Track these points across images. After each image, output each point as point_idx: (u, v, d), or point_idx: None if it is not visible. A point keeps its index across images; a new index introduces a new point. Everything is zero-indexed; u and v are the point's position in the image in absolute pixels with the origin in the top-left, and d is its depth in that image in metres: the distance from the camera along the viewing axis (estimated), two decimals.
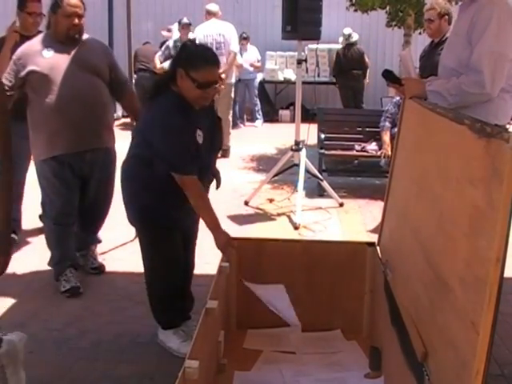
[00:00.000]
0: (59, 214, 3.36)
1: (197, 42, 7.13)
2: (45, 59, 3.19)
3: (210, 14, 7.34)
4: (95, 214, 3.63)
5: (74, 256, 3.52)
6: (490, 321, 1.39)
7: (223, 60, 7.25)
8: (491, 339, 1.40)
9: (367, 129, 6.25)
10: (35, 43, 3.28)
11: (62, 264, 3.42)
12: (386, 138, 5.72)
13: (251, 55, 10.21)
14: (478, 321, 1.42)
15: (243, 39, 9.91)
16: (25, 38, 3.50)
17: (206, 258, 3.86)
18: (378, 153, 5.88)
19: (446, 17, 4.55)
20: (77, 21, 3.22)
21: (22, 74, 3.18)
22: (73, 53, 3.25)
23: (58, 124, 3.21)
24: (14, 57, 3.25)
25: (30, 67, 3.18)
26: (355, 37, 9.62)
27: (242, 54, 10.03)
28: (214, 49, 7.21)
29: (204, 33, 7.18)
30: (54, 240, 3.44)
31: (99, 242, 3.79)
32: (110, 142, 3.47)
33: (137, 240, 2.96)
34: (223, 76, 7.31)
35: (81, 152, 3.29)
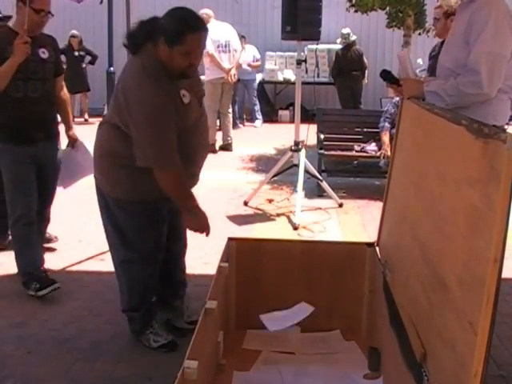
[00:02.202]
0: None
1: (209, 42, 7.29)
2: None
3: (209, 17, 7.46)
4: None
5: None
6: (488, 321, 1.39)
7: (231, 58, 7.51)
8: (489, 340, 1.41)
9: (366, 129, 6.26)
10: None
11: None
12: (386, 138, 5.73)
13: (248, 55, 10.22)
14: (476, 321, 1.42)
15: (241, 38, 9.95)
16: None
17: (206, 258, 3.87)
18: (378, 153, 5.88)
19: (453, 16, 4.15)
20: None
21: None
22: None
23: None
24: None
25: None
26: (353, 37, 9.63)
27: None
28: (224, 47, 7.47)
29: (214, 34, 7.35)
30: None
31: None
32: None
33: None
34: (233, 73, 7.59)
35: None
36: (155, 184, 2.44)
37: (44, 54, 3.31)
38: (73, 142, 3.79)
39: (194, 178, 2.69)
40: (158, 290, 2.85)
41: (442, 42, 4.55)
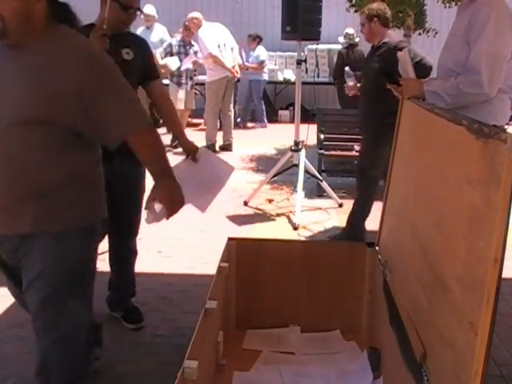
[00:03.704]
0: None
1: (210, 43, 7.37)
2: None
3: (199, 21, 7.65)
4: None
5: None
6: (488, 321, 1.39)
7: (231, 56, 7.63)
8: (490, 340, 1.40)
9: None
10: None
11: None
12: None
13: (254, 56, 10.19)
14: (476, 321, 1.42)
15: (256, 38, 10.01)
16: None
17: (206, 258, 3.87)
18: None
19: (376, 19, 4.17)
20: None
21: None
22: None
23: None
24: None
25: None
26: (357, 38, 9.65)
27: (249, 55, 10.09)
28: (224, 46, 7.56)
29: (212, 35, 7.50)
30: None
31: None
32: None
33: None
34: (237, 68, 7.73)
35: None
36: None
37: (128, 54, 2.83)
38: (190, 151, 2.97)
39: None
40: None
41: (372, 47, 4.32)
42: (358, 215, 4.45)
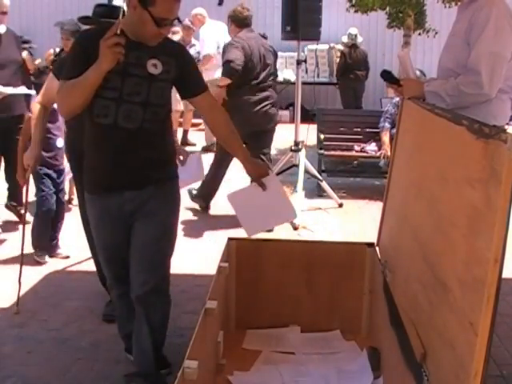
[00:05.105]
0: None
1: (208, 43, 7.34)
2: None
3: (203, 17, 7.57)
4: None
5: None
6: (488, 321, 1.39)
7: None
8: (490, 340, 1.41)
9: (366, 129, 6.27)
10: None
11: None
12: (386, 138, 5.73)
13: None
14: (476, 321, 1.42)
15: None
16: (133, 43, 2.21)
17: (206, 258, 3.87)
18: (378, 153, 5.89)
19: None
20: None
21: None
22: None
23: None
24: None
25: None
26: (360, 38, 9.71)
27: None
28: (222, 45, 7.55)
29: (212, 35, 7.50)
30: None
31: None
32: None
33: None
34: None
35: None
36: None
37: (155, 67, 2.26)
38: (258, 176, 2.55)
39: None
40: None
41: None
42: None
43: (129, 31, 2.19)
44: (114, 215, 2.37)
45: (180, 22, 2.37)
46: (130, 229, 2.39)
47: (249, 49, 4.65)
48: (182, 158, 3.02)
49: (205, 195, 5.15)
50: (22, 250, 3.41)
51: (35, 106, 3.22)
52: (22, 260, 3.39)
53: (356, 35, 9.62)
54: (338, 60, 10.74)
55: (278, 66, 11.60)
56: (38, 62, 7.43)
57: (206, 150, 7.90)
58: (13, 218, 4.70)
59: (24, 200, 3.66)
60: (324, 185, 5.52)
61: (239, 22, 4.84)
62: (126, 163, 2.30)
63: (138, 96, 2.23)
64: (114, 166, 2.31)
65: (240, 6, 4.85)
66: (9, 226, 4.59)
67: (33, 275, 3.65)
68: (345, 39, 9.75)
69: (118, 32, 2.09)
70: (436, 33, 9.06)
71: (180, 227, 4.42)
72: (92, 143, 2.37)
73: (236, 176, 6.47)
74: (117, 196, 2.33)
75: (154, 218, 2.36)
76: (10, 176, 4.43)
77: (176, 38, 8.16)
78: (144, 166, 2.32)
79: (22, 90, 4.25)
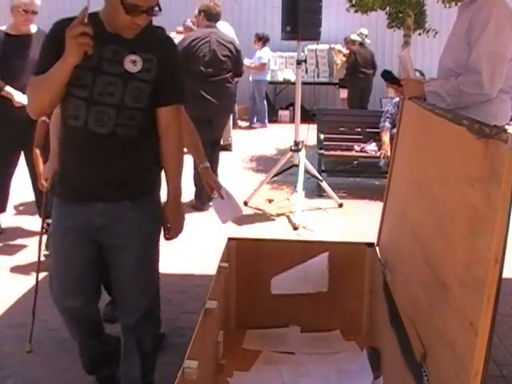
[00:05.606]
0: None
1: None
2: None
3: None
4: None
5: None
6: (488, 321, 1.39)
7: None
8: (490, 340, 1.41)
9: (367, 129, 6.27)
10: None
11: None
12: (386, 138, 5.73)
13: (258, 57, 10.18)
14: (476, 321, 1.42)
15: (262, 38, 10.00)
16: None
17: (206, 258, 3.87)
18: (378, 153, 5.89)
19: None
20: None
21: None
22: None
23: None
24: None
25: None
26: (368, 40, 9.77)
27: (253, 55, 10.08)
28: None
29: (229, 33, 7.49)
30: None
31: None
32: None
33: None
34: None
35: None
36: None
37: (134, 64, 1.99)
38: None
39: None
40: None
41: None
42: None
43: (106, 22, 1.97)
44: (81, 228, 2.11)
45: (160, 9, 1.99)
46: (98, 249, 2.15)
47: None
48: (221, 192, 2.78)
49: (198, 195, 5.23)
50: (39, 257, 3.20)
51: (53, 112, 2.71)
52: (39, 268, 3.20)
53: (367, 35, 9.67)
54: (338, 60, 10.76)
55: (278, 66, 11.67)
56: None
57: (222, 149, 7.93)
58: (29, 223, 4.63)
59: (42, 209, 3.44)
60: (324, 185, 5.52)
61: (210, 16, 5.19)
62: (95, 171, 2.05)
63: (110, 97, 1.97)
64: (83, 172, 2.07)
65: (212, 2, 5.18)
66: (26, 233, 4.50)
67: (32, 274, 3.64)
68: (355, 37, 9.74)
69: (86, 21, 1.83)
70: (436, 33, 9.07)
71: None
72: (63, 145, 2.14)
73: (236, 176, 6.48)
74: (86, 207, 2.08)
75: (131, 247, 2.11)
76: (33, 182, 4.27)
77: (179, 38, 8.15)
78: (116, 177, 2.06)
79: None
